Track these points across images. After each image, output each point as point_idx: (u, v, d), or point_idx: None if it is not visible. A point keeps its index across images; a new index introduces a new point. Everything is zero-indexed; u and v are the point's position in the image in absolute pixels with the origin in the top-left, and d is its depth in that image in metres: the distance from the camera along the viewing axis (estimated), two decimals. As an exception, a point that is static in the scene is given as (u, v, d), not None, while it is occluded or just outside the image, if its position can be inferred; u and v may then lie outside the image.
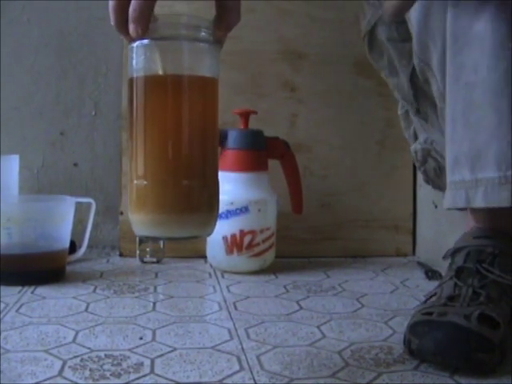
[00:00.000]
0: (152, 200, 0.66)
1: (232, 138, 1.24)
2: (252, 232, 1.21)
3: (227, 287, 1.12)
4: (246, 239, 1.21)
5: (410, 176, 1.44)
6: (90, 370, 0.73)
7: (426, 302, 0.84)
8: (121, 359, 0.76)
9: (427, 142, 1.06)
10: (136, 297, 1.05)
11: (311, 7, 1.40)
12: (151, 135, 0.66)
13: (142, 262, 1.32)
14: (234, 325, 0.90)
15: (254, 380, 0.70)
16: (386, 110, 1.40)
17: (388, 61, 1.05)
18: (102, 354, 0.78)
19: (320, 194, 1.41)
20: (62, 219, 1.15)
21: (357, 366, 0.75)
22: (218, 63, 0.70)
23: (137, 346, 0.81)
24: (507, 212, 0.88)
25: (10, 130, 1.44)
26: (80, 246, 1.29)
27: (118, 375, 0.71)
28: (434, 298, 0.82)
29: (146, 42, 0.66)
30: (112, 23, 0.67)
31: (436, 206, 1.32)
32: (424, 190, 1.38)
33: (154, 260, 1.32)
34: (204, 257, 1.30)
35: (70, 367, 0.73)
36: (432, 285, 1.02)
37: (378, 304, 1.02)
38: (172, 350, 0.80)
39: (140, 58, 0.67)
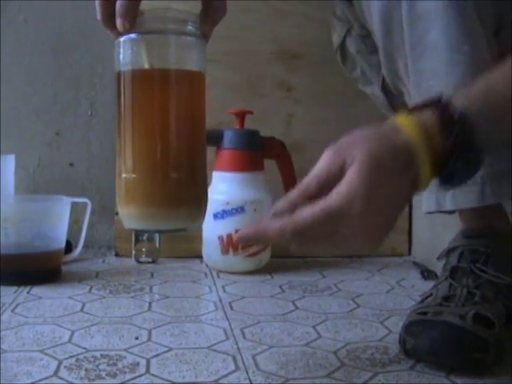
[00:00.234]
0: (140, 194, 0.66)
1: (228, 137, 1.24)
2: (248, 232, 1.21)
3: (223, 287, 1.12)
4: (242, 239, 1.21)
5: (405, 176, 1.43)
6: (86, 369, 0.73)
7: (421, 302, 0.84)
8: (116, 359, 0.76)
9: None
10: (132, 297, 1.05)
11: (307, 7, 1.40)
12: (139, 129, 0.67)
13: (138, 261, 1.32)
14: (230, 325, 0.90)
15: (250, 380, 0.70)
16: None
17: (361, 72, 1.06)
18: (97, 354, 0.78)
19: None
20: (57, 219, 1.14)
21: (352, 366, 0.75)
22: (204, 57, 0.70)
23: (132, 346, 0.81)
24: (492, 211, 0.89)
25: (5, 130, 1.44)
26: (76, 246, 1.29)
27: (114, 375, 0.71)
28: (429, 299, 0.82)
29: (132, 36, 0.66)
30: (98, 18, 0.67)
31: (432, 206, 1.32)
32: (420, 190, 1.37)
33: (150, 260, 1.32)
34: (200, 257, 1.30)
35: (65, 367, 0.73)
36: (428, 285, 1.02)
37: (374, 304, 1.02)
38: (168, 350, 0.80)
39: (127, 52, 0.67)
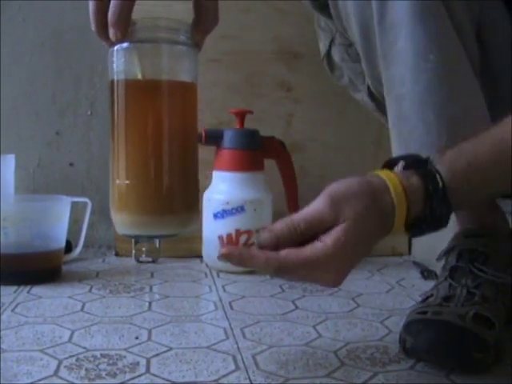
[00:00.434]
0: (133, 201, 0.68)
1: (228, 137, 1.24)
2: (248, 232, 1.21)
3: (223, 287, 1.12)
4: (242, 239, 1.21)
5: (405, 176, 1.44)
6: (86, 369, 0.73)
7: (422, 302, 0.84)
8: (116, 359, 0.76)
9: None
10: (132, 296, 1.05)
11: (306, 7, 1.40)
12: (132, 137, 0.68)
13: (138, 261, 1.32)
14: (230, 324, 0.90)
15: (250, 380, 0.70)
16: (381, 110, 1.40)
17: (349, 79, 1.07)
18: (97, 354, 0.78)
19: (316, 194, 1.39)
20: (57, 219, 1.14)
21: (352, 366, 0.75)
22: (196, 66, 0.71)
23: (132, 346, 0.81)
24: (490, 211, 0.89)
25: (5, 130, 1.44)
26: (76, 246, 1.29)
27: (114, 375, 0.71)
28: (430, 299, 0.82)
29: (125, 45, 0.67)
30: (93, 29, 0.68)
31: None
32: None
33: (150, 260, 1.32)
34: (200, 256, 1.30)
35: (65, 367, 0.73)
36: (428, 284, 1.02)
37: (374, 304, 1.02)
38: (168, 350, 0.80)
39: (120, 61, 0.68)
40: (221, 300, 1.04)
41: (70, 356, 0.77)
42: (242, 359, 0.77)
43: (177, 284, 1.14)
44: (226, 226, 1.21)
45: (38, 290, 1.07)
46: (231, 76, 1.38)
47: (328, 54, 1.08)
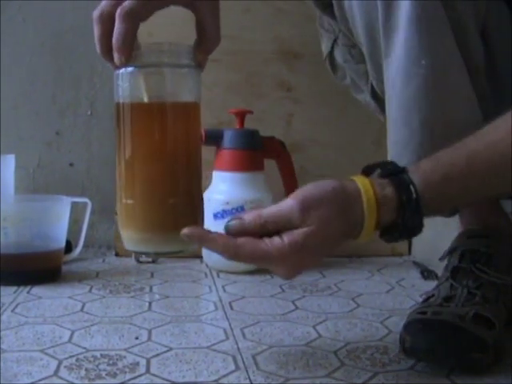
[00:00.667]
0: (139, 219, 0.71)
1: (228, 137, 1.24)
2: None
3: (223, 287, 1.12)
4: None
5: (405, 176, 1.43)
6: (86, 369, 0.73)
7: (424, 302, 0.84)
8: (116, 359, 0.76)
9: None
10: (132, 297, 1.05)
11: (307, 7, 1.40)
12: (137, 158, 0.70)
13: (138, 261, 1.32)
14: (230, 325, 0.90)
15: (250, 380, 0.70)
16: (381, 110, 1.40)
17: (351, 80, 1.07)
18: (97, 354, 0.78)
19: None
20: (57, 219, 1.15)
21: (352, 366, 0.75)
22: (199, 86, 0.74)
23: (132, 346, 0.81)
24: (492, 212, 0.89)
25: (5, 130, 1.44)
26: (76, 246, 1.29)
27: (114, 375, 0.71)
28: (431, 299, 0.83)
29: (130, 69, 0.69)
30: (98, 52, 0.69)
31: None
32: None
33: (150, 260, 1.32)
34: (200, 257, 1.30)
35: (65, 367, 0.73)
36: (428, 284, 1.02)
37: (374, 304, 1.02)
38: (168, 350, 0.80)
39: (125, 84, 0.70)
40: (221, 300, 1.04)
41: (70, 356, 0.77)
42: (242, 359, 0.77)
43: (177, 284, 1.14)
44: (225, 226, 1.21)
45: (37, 290, 1.07)
46: (231, 76, 1.38)
47: (330, 54, 1.08)
